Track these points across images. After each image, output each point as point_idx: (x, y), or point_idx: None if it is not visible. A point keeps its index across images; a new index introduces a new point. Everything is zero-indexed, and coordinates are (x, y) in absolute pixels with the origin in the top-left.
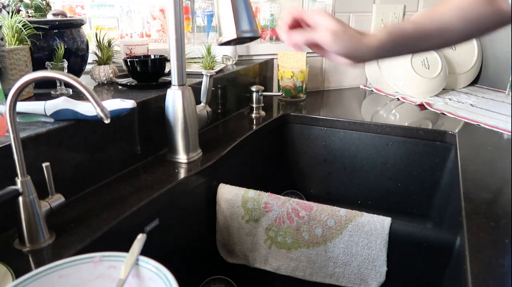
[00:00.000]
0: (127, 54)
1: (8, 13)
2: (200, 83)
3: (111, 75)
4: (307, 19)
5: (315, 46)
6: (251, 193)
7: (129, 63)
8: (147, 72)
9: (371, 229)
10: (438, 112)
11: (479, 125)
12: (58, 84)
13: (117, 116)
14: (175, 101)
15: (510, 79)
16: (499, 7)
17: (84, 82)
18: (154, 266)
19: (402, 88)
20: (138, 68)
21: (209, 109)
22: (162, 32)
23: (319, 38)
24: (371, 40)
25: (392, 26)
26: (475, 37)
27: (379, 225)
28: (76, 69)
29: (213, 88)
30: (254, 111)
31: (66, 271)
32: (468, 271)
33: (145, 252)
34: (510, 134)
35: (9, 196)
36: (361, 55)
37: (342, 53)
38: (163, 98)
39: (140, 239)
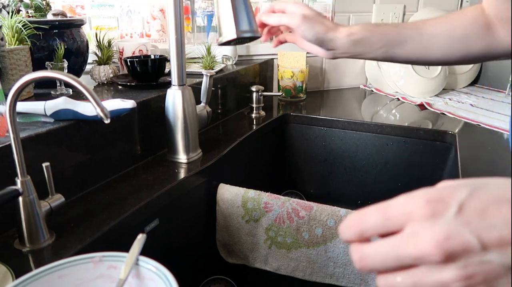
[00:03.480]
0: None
1: (8, 13)
2: (200, 83)
3: (111, 75)
4: (282, 8)
5: (288, 36)
6: (251, 193)
7: (129, 63)
8: (147, 72)
9: None
10: (438, 112)
11: (479, 125)
12: (58, 84)
13: (117, 116)
14: (175, 101)
15: (510, 79)
16: (493, 36)
17: (84, 82)
18: (154, 266)
19: (402, 88)
20: (138, 68)
21: (209, 109)
22: (162, 32)
23: (290, 20)
24: (342, 30)
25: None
26: (457, 61)
27: None
28: (76, 69)
29: (213, 88)
30: (254, 111)
31: (66, 271)
32: None
33: (145, 252)
34: (510, 134)
35: (9, 196)
36: (331, 43)
37: (312, 38)
38: (163, 98)
39: (140, 239)
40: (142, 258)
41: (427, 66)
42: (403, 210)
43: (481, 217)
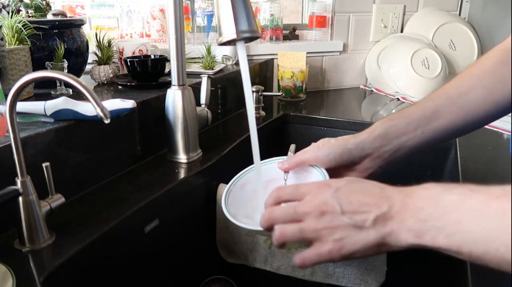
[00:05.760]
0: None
1: (8, 13)
2: (200, 83)
3: (111, 75)
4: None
5: None
6: None
7: (129, 63)
8: (147, 72)
9: None
10: None
11: None
12: (58, 84)
13: (117, 116)
14: (175, 101)
15: (510, 79)
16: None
17: (84, 82)
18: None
19: (402, 88)
20: (138, 68)
21: (208, 110)
22: (162, 32)
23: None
24: (360, 133)
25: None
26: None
27: None
28: (76, 69)
29: (212, 88)
30: (254, 111)
31: (270, 165)
32: (468, 271)
33: (145, 251)
34: (510, 134)
35: (9, 196)
36: (351, 154)
37: (333, 160)
38: (163, 98)
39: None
40: None
41: (427, 66)
42: (308, 188)
43: (347, 197)
